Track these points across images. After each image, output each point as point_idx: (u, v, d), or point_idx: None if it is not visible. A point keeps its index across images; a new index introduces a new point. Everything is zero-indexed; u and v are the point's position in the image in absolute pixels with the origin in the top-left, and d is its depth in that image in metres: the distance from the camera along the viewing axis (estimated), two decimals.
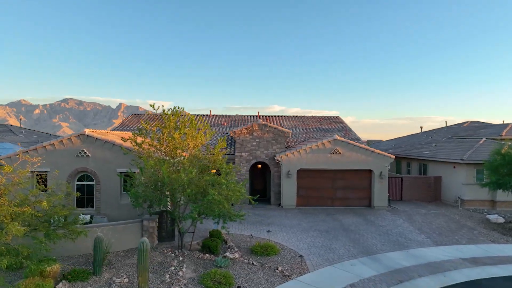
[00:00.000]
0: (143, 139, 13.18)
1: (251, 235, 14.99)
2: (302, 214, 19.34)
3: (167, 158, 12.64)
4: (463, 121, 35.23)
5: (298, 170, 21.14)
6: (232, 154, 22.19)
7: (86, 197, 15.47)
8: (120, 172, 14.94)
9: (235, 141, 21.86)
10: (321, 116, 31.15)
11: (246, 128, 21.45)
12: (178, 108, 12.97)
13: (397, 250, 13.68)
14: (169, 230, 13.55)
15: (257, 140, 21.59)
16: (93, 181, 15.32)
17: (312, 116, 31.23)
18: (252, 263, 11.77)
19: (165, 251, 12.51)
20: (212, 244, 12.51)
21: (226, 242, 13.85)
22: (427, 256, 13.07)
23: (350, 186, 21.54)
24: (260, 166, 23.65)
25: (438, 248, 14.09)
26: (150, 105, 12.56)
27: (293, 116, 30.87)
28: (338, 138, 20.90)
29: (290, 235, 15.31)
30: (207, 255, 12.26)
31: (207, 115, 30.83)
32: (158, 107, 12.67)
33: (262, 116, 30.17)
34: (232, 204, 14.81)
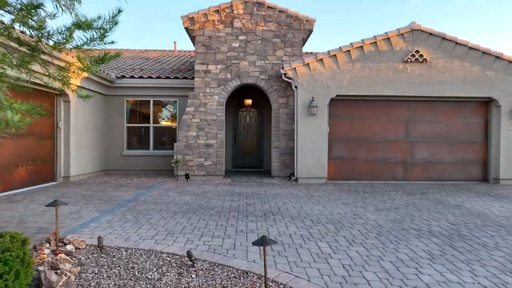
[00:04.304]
0: None
1: (190, 255, 3.49)
2: (349, 194, 7.98)
3: None
4: None
5: (331, 101, 9.78)
6: (191, 78, 10.84)
7: None
8: None
9: (194, 38, 10.27)
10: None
11: (217, 11, 9.97)
12: None
13: None
14: None
15: (241, 37, 10.10)
16: None
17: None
18: None
19: None
20: None
21: None
22: None
23: (442, 137, 10.19)
24: (250, 102, 12.26)
25: None
26: None
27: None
28: (422, 27, 9.52)
29: (348, 254, 3.93)
30: None
31: (170, 50, 19.52)
32: None
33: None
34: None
